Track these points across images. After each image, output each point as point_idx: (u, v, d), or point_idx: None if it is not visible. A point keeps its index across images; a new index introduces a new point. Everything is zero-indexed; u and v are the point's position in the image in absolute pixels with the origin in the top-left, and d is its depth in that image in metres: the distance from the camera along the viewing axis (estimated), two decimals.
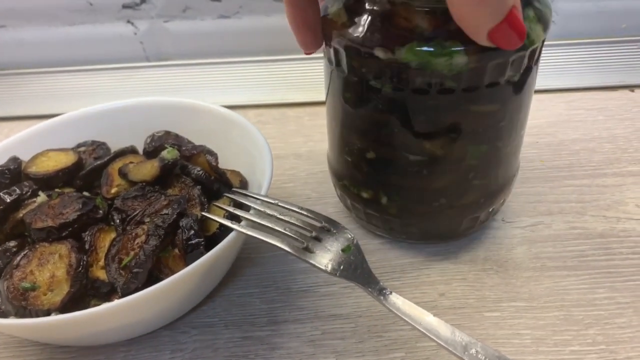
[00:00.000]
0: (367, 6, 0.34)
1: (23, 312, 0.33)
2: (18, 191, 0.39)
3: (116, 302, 0.31)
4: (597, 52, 0.63)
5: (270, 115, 0.62)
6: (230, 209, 0.36)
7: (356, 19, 0.35)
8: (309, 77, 0.64)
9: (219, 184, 0.40)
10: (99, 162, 0.43)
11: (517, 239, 0.44)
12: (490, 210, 0.42)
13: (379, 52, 0.34)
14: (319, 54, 0.64)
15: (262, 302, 0.40)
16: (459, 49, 0.32)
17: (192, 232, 0.34)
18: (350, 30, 0.35)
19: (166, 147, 0.41)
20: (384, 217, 0.42)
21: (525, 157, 0.51)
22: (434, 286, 0.41)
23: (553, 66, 0.63)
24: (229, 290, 0.41)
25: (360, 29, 0.34)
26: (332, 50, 0.37)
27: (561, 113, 0.59)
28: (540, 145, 0.54)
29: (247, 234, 0.34)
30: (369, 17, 0.34)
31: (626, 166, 0.51)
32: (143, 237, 0.35)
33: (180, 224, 0.35)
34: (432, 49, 0.32)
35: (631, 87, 0.62)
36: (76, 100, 0.62)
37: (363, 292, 0.40)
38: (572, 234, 0.44)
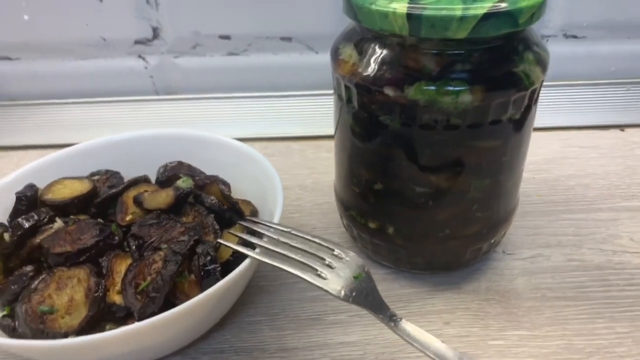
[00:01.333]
0: (377, 48, 0.37)
1: (40, 335, 0.34)
2: (36, 217, 0.40)
3: (135, 325, 0.32)
4: (589, 93, 0.66)
5: (275, 148, 0.64)
6: (245, 236, 0.37)
7: (367, 59, 0.37)
8: (313, 112, 0.67)
9: (231, 212, 0.42)
10: (113, 191, 0.44)
11: (517, 270, 0.46)
12: (492, 241, 0.44)
13: (389, 90, 0.36)
14: (323, 91, 0.66)
15: (272, 329, 0.41)
16: (464, 88, 0.34)
17: (209, 257, 0.36)
18: (362, 69, 0.37)
19: (180, 177, 0.43)
20: (391, 247, 0.43)
21: (523, 191, 0.53)
22: (439, 315, 0.42)
23: (548, 106, 0.65)
24: (238, 317, 0.42)
25: (371, 68, 0.36)
26: (343, 88, 0.39)
27: (556, 150, 0.62)
28: (537, 180, 0.57)
29: (261, 261, 0.35)
30: (380, 58, 0.36)
31: (620, 201, 0.53)
32: (160, 263, 0.36)
33: (197, 251, 0.36)
34: (439, 88, 0.35)
35: (621, 127, 0.65)
36: (85, 131, 0.63)
37: (370, 320, 0.41)
38: (571, 265, 0.46)
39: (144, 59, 0.66)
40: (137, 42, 0.64)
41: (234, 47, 0.65)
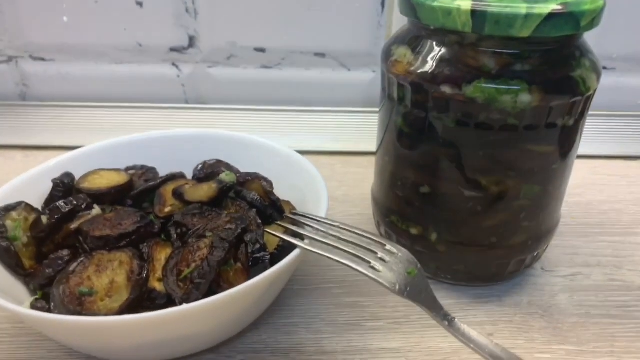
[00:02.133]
0: (434, 46, 0.37)
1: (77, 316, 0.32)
2: (75, 202, 0.39)
3: (182, 307, 0.30)
4: (616, 124, 0.66)
5: None
6: (293, 227, 0.36)
7: (423, 58, 0.37)
8: (343, 128, 0.67)
9: (272, 209, 0.41)
10: (152, 183, 0.43)
11: (558, 287, 0.45)
12: (536, 254, 0.43)
13: (446, 88, 0.36)
14: (353, 108, 0.67)
15: (309, 332, 0.40)
16: (523, 88, 0.34)
17: (258, 245, 0.35)
18: (417, 68, 0.37)
19: (223, 171, 0.42)
20: (432, 255, 0.42)
21: None
22: (482, 326, 0.40)
23: None
24: (273, 319, 0.41)
25: (428, 66, 0.37)
26: (396, 88, 0.39)
27: (585, 177, 0.61)
28: (569, 203, 0.56)
29: (312, 252, 0.34)
30: (437, 56, 0.36)
31: None
32: (205, 250, 0.35)
33: (245, 239, 0.35)
34: (498, 87, 0.35)
35: None
36: (114, 134, 0.62)
37: (410, 327, 0.40)
38: (613, 285, 0.45)
39: (177, 67, 0.66)
40: (172, 49, 0.65)
41: (268, 60, 0.66)
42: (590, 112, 0.67)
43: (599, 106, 0.66)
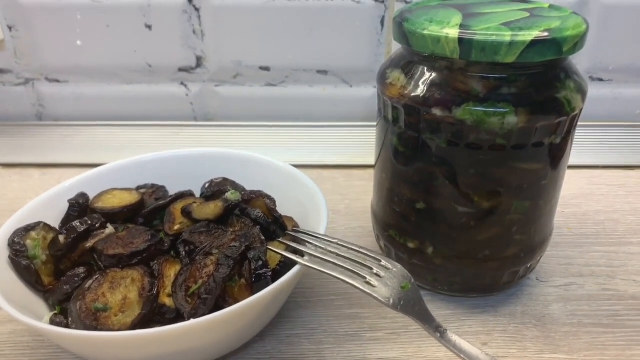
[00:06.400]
0: (425, 71, 0.39)
1: (94, 331, 0.35)
2: (89, 222, 0.42)
3: (190, 322, 0.32)
4: (615, 134, 0.68)
5: (307, 175, 0.66)
6: (293, 245, 0.38)
7: (415, 82, 0.39)
8: (345, 142, 0.69)
9: (275, 226, 0.43)
10: (162, 202, 0.46)
11: (552, 297, 0.46)
12: (529, 265, 0.44)
13: (437, 111, 0.38)
14: (355, 122, 0.69)
15: (311, 343, 0.42)
16: (510, 110, 0.36)
17: (261, 262, 0.37)
18: (410, 91, 0.39)
19: (229, 190, 0.45)
20: (429, 267, 0.44)
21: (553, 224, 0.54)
22: (476, 336, 0.42)
23: (574, 145, 0.67)
24: (277, 330, 0.43)
25: (420, 90, 0.39)
26: (390, 110, 0.41)
27: (583, 187, 0.63)
28: (566, 214, 0.58)
29: (311, 268, 0.36)
30: (428, 81, 0.39)
31: None
32: (211, 267, 0.37)
33: (249, 256, 0.37)
34: (486, 109, 0.36)
35: None
36: (125, 152, 0.65)
37: (408, 338, 0.42)
38: (605, 295, 0.46)
39: (185, 86, 0.69)
40: (180, 69, 0.68)
41: (272, 78, 0.68)
42: (587, 123, 0.69)
43: (596, 116, 0.68)
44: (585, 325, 0.43)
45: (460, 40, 0.35)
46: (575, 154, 0.66)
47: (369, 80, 0.68)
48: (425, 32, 0.37)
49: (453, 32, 0.36)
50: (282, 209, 0.48)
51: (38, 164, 0.68)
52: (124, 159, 0.52)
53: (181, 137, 0.69)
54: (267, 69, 0.68)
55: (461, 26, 0.36)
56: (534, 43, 0.35)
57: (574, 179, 0.64)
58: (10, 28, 0.65)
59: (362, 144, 0.68)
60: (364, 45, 0.66)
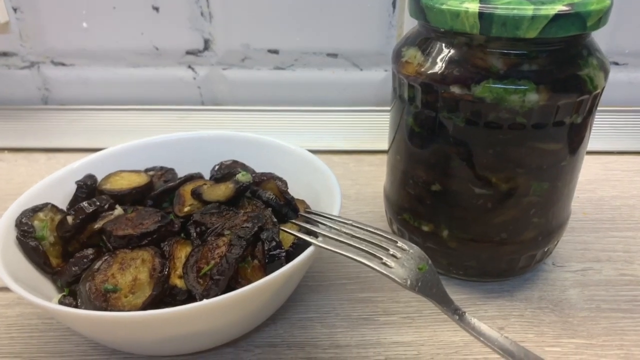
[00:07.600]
0: (443, 48, 0.38)
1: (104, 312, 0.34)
2: (98, 203, 0.41)
3: (202, 302, 0.32)
4: (630, 120, 0.67)
5: None
6: (307, 226, 0.38)
7: (432, 59, 0.38)
8: (355, 127, 0.68)
9: (287, 208, 0.42)
10: (171, 184, 0.45)
11: (569, 282, 0.45)
12: (546, 249, 0.43)
13: (456, 89, 0.37)
14: (365, 107, 0.68)
15: (323, 326, 0.41)
16: (531, 87, 0.35)
17: (274, 243, 0.36)
18: (427, 69, 0.38)
19: (239, 172, 0.44)
20: (444, 251, 0.43)
21: None
22: (492, 320, 0.41)
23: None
24: (289, 314, 0.42)
25: (438, 67, 0.38)
26: (406, 88, 0.40)
27: (598, 173, 0.62)
28: (581, 199, 0.57)
29: (325, 249, 0.35)
30: (446, 57, 0.37)
31: None
32: (223, 248, 0.36)
33: (262, 237, 0.36)
34: (506, 87, 0.35)
35: None
36: (131, 137, 0.64)
37: (423, 321, 0.41)
38: (623, 280, 0.45)
39: (193, 69, 0.68)
40: (188, 52, 0.67)
41: (281, 61, 0.67)
42: (602, 108, 0.67)
43: (611, 101, 0.67)
44: (604, 310, 0.42)
45: (481, 15, 0.34)
46: (590, 140, 0.66)
47: (379, 63, 0.67)
48: (444, 6, 0.36)
49: (473, 6, 0.34)
50: (293, 192, 0.47)
51: (44, 148, 0.67)
52: None
53: (188, 122, 0.68)
54: (275, 52, 0.66)
55: (481, 0, 0.35)
56: (557, 17, 0.33)
57: (589, 164, 0.63)
58: (15, 10, 0.64)
59: (373, 128, 0.67)
60: (375, 28, 0.65)
